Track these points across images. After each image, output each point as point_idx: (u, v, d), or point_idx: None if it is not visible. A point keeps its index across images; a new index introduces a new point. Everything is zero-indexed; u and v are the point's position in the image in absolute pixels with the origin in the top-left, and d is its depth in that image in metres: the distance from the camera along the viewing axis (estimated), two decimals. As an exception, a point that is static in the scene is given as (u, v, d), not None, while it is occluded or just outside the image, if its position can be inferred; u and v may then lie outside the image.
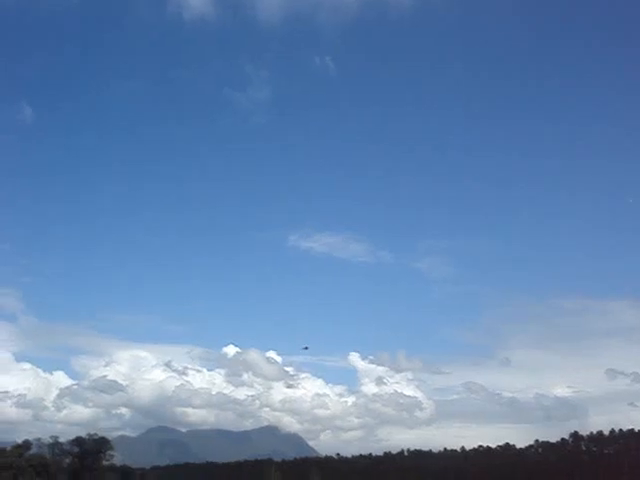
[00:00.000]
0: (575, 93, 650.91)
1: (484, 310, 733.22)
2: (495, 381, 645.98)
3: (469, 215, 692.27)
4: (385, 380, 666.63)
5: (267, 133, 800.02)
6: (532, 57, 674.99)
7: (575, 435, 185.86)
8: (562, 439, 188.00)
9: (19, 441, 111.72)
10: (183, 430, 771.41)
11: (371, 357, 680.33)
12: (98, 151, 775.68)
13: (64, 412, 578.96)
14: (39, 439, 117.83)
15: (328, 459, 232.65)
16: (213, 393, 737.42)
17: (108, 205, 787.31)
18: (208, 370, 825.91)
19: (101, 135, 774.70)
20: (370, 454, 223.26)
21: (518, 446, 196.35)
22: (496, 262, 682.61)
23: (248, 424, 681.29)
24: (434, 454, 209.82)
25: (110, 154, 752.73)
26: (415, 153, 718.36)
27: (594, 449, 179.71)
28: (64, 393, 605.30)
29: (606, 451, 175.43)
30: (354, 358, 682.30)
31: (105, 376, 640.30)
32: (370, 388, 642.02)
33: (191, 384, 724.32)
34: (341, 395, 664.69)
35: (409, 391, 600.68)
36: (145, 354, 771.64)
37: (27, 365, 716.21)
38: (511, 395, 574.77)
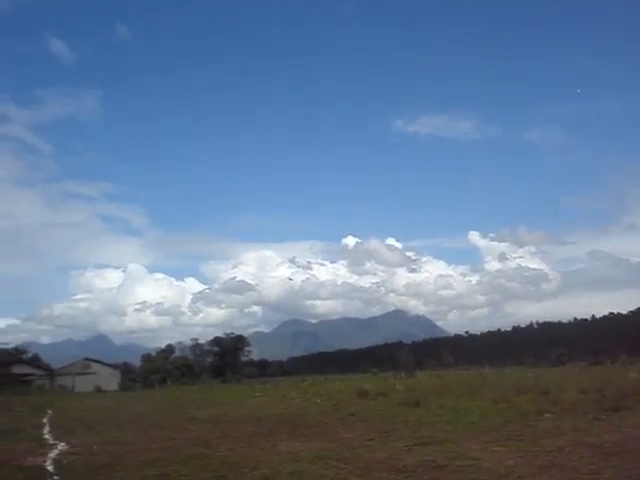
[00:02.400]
0: None
1: (604, 176, 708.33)
2: (622, 247, 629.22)
3: (581, 78, 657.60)
4: (508, 255, 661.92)
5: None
6: None
7: None
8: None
9: (162, 346, 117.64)
10: (313, 321, 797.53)
11: (491, 234, 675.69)
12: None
13: (200, 315, 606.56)
14: (180, 342, 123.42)
15: (457, 337, 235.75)
16: (338, 284, 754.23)
17: (223, 111, 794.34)
18: (331, 262, 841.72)
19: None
20: (499, 329, 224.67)
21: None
22: (613, 125, 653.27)
23: (375, 310, 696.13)
24: (564, 324, 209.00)
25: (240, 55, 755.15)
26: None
27: None
28: (197, 298, 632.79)
29: None
30: (474, 237, 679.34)
31: (234, 278, 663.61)
32: (493, 265, 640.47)
33: (316, 277, 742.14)
34: (464, 274, 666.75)
35: (533, 264, 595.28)
36: (269, 253, 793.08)
37: (160, 275, 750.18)
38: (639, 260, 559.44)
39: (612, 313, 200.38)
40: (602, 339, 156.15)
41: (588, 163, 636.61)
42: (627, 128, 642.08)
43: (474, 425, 18.31)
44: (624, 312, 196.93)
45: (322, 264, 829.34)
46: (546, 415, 19.95)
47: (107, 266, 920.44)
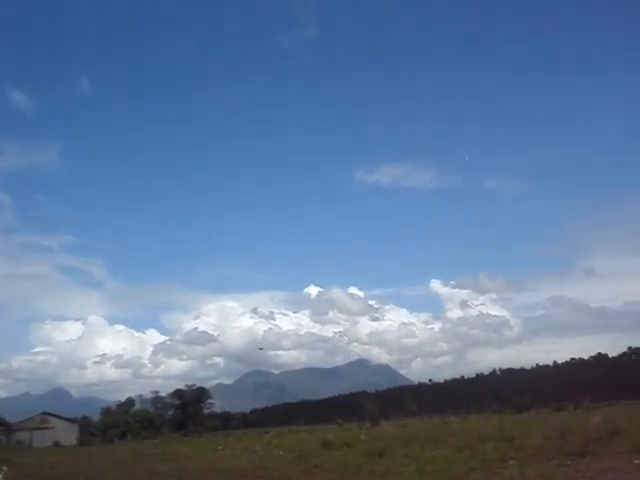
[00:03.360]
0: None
1: (562, 222, 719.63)
2: (581, 292, 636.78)
3: (536, 128, 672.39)
4: (469, 303, 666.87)
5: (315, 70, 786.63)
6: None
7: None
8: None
9: (122, 399, 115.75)
10: (276, 372, 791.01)
11: (452, 282, 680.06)
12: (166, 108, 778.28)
13: (161, 367, 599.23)
14: (141, 395, 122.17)
15: (421, 386, 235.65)
16: (301, 333, 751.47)
17: (180, 159, 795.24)
18: (294, 312, 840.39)
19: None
20: (462, 377, 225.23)
21: (611, 355, 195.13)
22: (571, 172, 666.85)
23: (338, 360, 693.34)
24: (526, 371, 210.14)
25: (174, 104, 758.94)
26: (473, 71, 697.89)
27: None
28: (158, 349, 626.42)
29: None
30: (435, 285, 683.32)
31: (196, 328, 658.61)
32: (455, 312, 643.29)
33: (279, 327, 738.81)
34: (427, 322, 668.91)
35: (495, 311, 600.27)
36: (232, 303, 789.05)
37: (120, 327, 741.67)
38: (599, 305, 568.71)
39: (573, 358, 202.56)
40: (564, 385, 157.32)
41: (547, 210, 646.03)
42: (583, 175, 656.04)
43: (439, 474, 18.18)
44: (585, 357, 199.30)
45: (285, 314, 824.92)
46: (511, 462, 19.88)
47: (67, 318, 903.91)
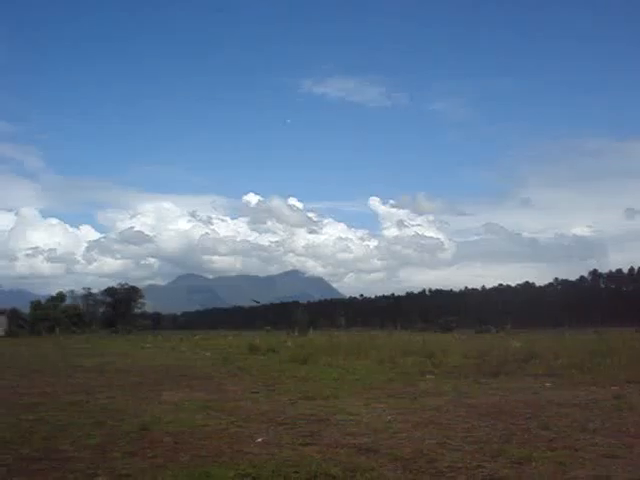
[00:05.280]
0: None
1: (503, 151, 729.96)
2: (515, 222, 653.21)
3: (486, 55, 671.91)
4: (406, 223, 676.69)
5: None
6: None
7: (594, 273, 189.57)
8: (581, 277, 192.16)
9: (53, 294, 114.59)
10: (210, 277, 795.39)
11: (392, 201, 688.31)
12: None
13: (94, 264, 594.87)
14: (72, 291, 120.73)
15: (352, 300, 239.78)
16: (238, 240, 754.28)
17: (130, 58, 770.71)
18: (232, 219, 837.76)
19: None
20: (393, 294, 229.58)
21: (538, 284, 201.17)
22: (514, 102, 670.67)
23: (273, 269, 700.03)
24: (455, 293, 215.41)
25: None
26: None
27: (613, 287, 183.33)
28: (93, 246, 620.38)
29: (625, 289, 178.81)
30: (375, 202, 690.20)
31: (132, 228, 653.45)
32: (392, 231, 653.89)
33: (216, 232, 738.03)
34: (363, 239, 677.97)
35: (431, 233, 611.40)
36: (170, 205, 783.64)
37: (54, 221, 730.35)
38: (531, 235, 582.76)
39: (501, 285, 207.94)
40: (490, 309, 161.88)
41: (488, 138, 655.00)
42: (526, 107, 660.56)
43: (358, 383, 18.63)
44: (512, 284, 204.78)
45: (223, 220, 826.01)
46: (428, 376, 20.51)
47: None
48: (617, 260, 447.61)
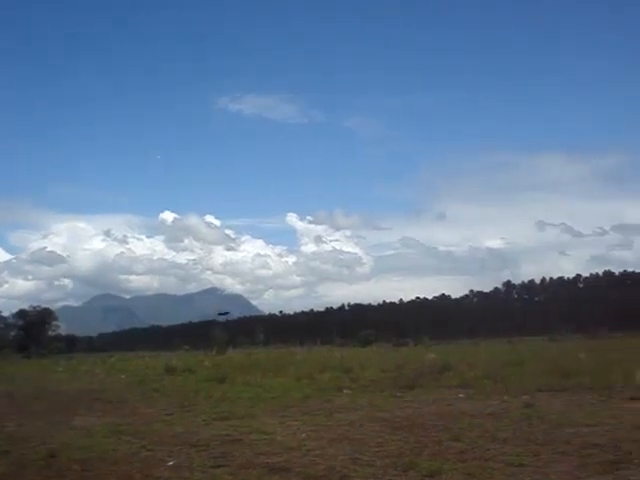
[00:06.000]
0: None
1: (419, 167, 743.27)
2: (431, 235, 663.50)
3: (402, 72, 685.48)
4: (324, 238, 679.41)
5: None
6: None
7: (508, 284, 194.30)
8: (495, 288, 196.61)
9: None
10: (127, 297, 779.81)
11: (309, 217, 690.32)
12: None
13: (5, 287, 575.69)
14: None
15: (272, 317, 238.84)
16: (154, 259, 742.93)
17: (40, 71, 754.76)
18: (148, 237, 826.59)
19: None
20: (312, 310, 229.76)
21: (454, 296, 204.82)
22: (430, 119, 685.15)
23: (191, 287, 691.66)
24: (374, 307, 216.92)
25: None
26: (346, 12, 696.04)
27: (525, 297, 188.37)
28: (2, 268, 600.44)
29: (537, 298, 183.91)
30: (292, 218, 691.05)
31: (44, 248, 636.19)
32: (310, 247, 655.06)
33: (132, 251, 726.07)
34: (281, 255, 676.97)
35: (348, 248, 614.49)
36: (83, 224, 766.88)
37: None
38: (446, 248, 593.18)
39: (419, 297, 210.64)
40: (409, 322, 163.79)
41: (404, 154, 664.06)
42: (442, 123, 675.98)
43: (275, 401, 18.56)
44: (429, 297, 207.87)
45: (138, 238, 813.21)
46: (345, 391, 20.58)
47: None
48: (529, 271, 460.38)
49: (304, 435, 12.47)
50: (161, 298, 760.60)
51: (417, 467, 9.34)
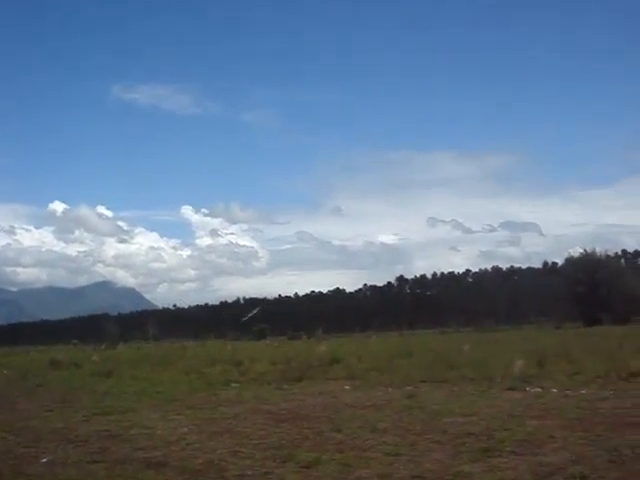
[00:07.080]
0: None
1: (317, 161, 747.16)
2: (327, 230, 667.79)
3: (302, 67, 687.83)
4: (220, 232, 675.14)
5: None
6: None
7: (400, 278, 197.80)
8: (388, 282, 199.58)
9: None
10: (14, 289, 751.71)
11: (204, 210, 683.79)
12: None
13: None
14: None
15: (165, 311, 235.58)
16: (43, 250, 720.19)
17: None
18: (36, 228, 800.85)
19: None
20: (206, 304, 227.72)
21: (348, 290, 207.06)
22: (329, 115, 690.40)
23: (82, 280, 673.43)
24: (269, 301, 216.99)
25: None
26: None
27: (417, 291, 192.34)
28: None
29: (428, 292, 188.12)
30: (187, 211, 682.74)
31: None
32: (205, 240, 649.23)
33: (19, 242, 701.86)
34: (176, 248, 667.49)
35: (244, 241, 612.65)
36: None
37: None
38: (341, 243, 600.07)
39: (313, 291, 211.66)
40: (303, 315, 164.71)
41: (302, 148, 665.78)
42: (340, 119, 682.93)
43: (160, 395, 18.36)
44: (324, 291, 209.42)
45: (26, 229, 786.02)
46: (233, 385, 20.55)
47: None
48: (421, 266, 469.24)
49: (185, 429, 12.39)
50: (51, 291, 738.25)
51: (295, 458, 9.41)
